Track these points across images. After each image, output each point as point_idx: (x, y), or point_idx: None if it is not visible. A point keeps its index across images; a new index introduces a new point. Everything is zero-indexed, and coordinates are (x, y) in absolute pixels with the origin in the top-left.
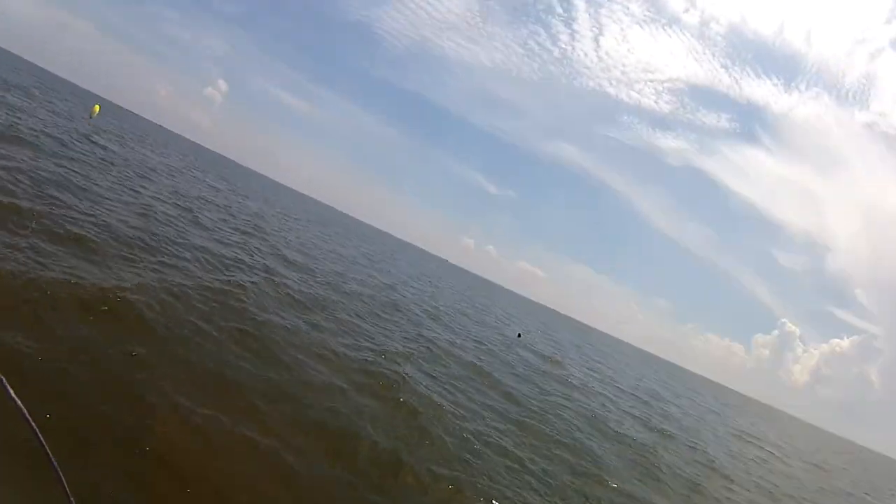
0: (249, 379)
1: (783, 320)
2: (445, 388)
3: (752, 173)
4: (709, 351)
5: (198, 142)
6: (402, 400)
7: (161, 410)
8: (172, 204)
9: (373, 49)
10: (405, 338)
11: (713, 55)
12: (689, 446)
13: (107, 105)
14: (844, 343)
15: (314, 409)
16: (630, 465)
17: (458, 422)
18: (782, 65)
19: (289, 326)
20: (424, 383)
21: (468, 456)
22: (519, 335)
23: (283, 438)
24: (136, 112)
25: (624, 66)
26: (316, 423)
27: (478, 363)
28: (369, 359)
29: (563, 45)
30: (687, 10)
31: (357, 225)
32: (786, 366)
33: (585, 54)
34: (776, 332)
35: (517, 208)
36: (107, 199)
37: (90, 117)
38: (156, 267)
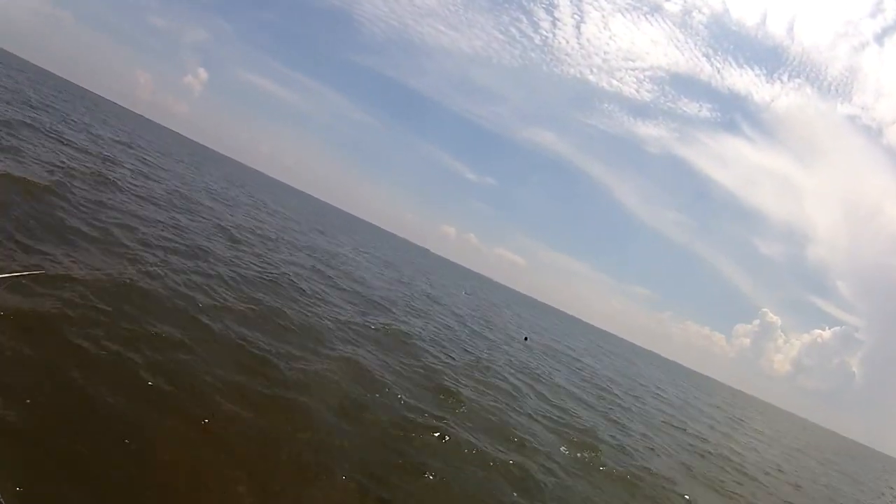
0: None
1: (764, 310)
2: None
3: (732, 162)
4: (689, 340)
5: (177, 130)
6: None
7: None
8: None
9: (352, 35)
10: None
11: (695, 44)
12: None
13: (88, 95)
14: (826, 334)
15: None
16: None
17: None
18: (765, 55)
19: None
20: None
21: None
22: (525, 339)
23: None
24: (115, 101)
25: (605, 53)
26: None
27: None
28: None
29: (545, 33)
30: None
31: (340, 215)
32: (767, 356)
33: (567, 41)
34: (757, 321)
35: (497, 196)
36: None
37: None
38: None
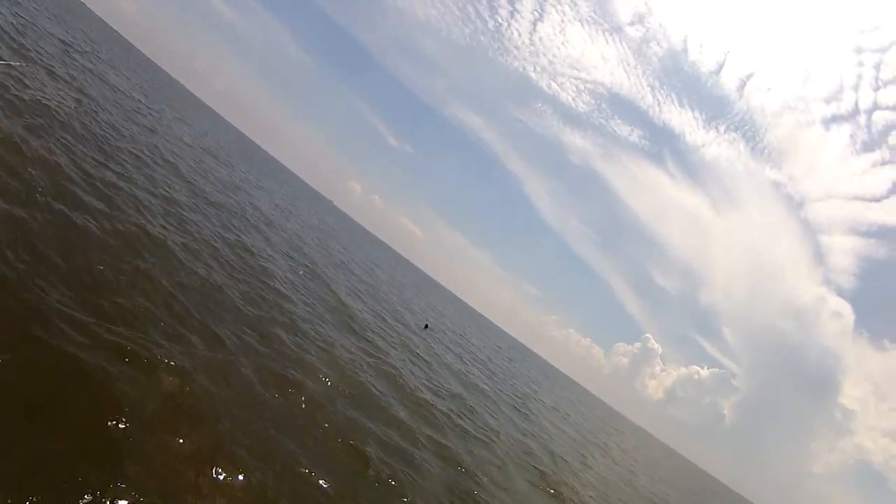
0: None
1: (647, 335)
2: None
3: (648, 190)
4: (568, 346)
5: (118, 30)
6: None
7: None
8: None
9: None
10: None
11: (643, 72)
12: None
13: None
14: (704, 372)
15: None
16: None
17: None
18: (709, 102)
19: None
20: None
21: None
22: (426, 326)
23: None
24: None
25: (553, 56)
26: None
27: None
28: None
29: (501, 20)
30: (633, 24)
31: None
32: (642, 379)
33: (519, 35)
34: (638, 344)
35: (411, 164)
36: None
37: None
38: None
